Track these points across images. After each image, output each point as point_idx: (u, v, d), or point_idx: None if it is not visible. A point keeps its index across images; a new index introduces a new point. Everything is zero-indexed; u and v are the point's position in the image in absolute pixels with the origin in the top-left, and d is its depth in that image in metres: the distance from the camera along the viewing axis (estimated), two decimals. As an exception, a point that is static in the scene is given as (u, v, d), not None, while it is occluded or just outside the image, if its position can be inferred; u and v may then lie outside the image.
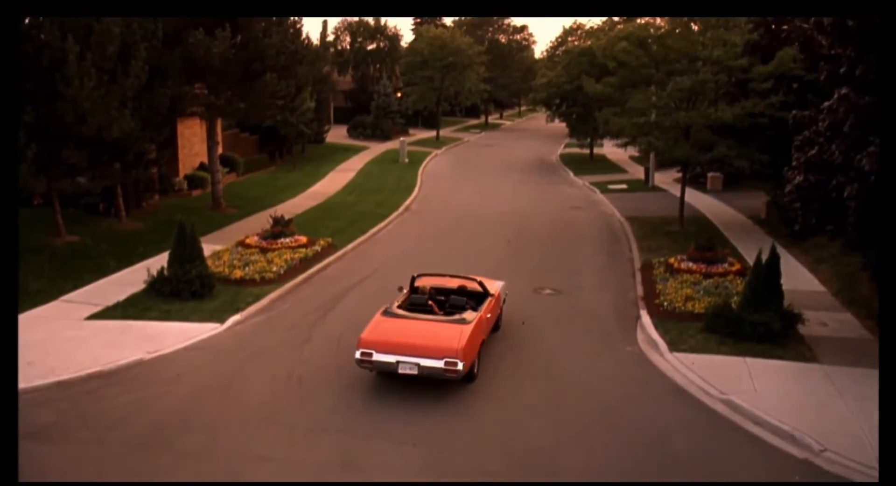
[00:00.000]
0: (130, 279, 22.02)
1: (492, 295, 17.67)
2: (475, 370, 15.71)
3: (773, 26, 30.01)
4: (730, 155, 28.10)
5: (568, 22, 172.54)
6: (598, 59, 35.09)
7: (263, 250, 25.09)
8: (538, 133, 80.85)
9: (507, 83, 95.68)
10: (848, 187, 14.90)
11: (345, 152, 57.30)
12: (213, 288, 20.98)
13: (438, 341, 14.85)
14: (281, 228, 26.24)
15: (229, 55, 28.24)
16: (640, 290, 22.41)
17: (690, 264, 23.50)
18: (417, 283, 17.87)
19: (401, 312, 16.07)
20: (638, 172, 48.12)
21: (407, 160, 53.23)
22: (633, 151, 44.83)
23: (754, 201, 34.30)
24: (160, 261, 21.95)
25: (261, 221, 29.12)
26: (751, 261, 25.17)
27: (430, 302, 16.88)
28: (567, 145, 62.65)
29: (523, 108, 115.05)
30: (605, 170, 51.46)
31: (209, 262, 23.01)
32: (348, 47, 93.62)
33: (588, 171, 51.42)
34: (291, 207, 34.58)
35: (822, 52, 17.56)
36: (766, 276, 18.05)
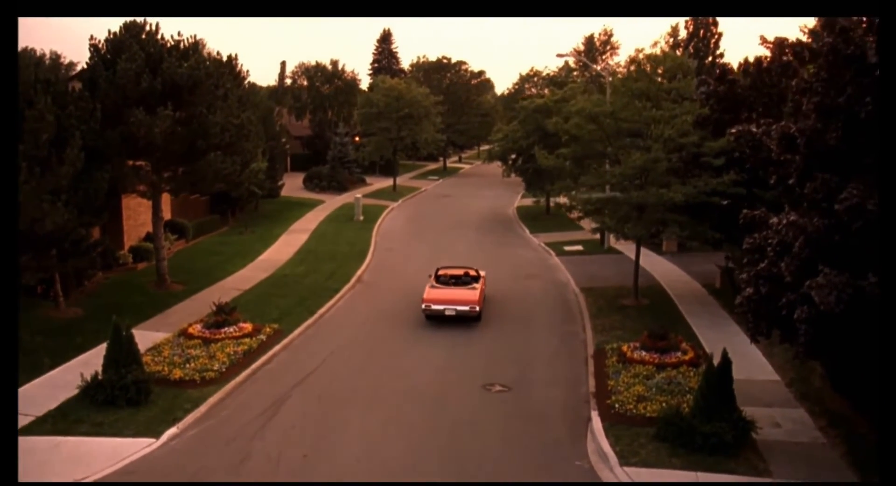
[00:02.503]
0: (65, 380, 21.17)
1: (482, 276, 30.68)
2: (481, 314, 28.13)
3: (724, 95, 29.98)
4: (682, 235, 27.86)
5: (525, 68, 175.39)
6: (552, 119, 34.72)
7: (206, 341, 24.25)
8: (496, 180, 78.88)
9: (466, 129, 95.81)
10: (798, 309, 14.51)
11: (300, 208, 56.46)
12: (150, 394, 20.10)
13: (465, 297, 27.99)
14: (224, 316, 25.35)
15: (172, 130, 27.54)
16: (591, 383, 21.94)
17: (643, 354, 23.11)
18: (440, 272, 30.46)
19: (438, 285, 29.32)
20: (594, 228, 47.80)
21: (362, 218, 52.47)
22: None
23: (709, 266, 34.15)
24: (98, 354, 21.19)
25: (206, 300, 28.38)
26: (705, 341, 25.08)
27: (451, 281, 29.79)
28: (524, 196, 62.16)
29: (483, 147, 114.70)
30: (561, 226, 50.56)
31: (148, 357, 22.34)
32: (306, 86, 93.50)
33: (544, 227, 50.98)
34: (239, 281, 33.79)
35: (772, 158, 17.31)
36: (718, 382, 17.64)
